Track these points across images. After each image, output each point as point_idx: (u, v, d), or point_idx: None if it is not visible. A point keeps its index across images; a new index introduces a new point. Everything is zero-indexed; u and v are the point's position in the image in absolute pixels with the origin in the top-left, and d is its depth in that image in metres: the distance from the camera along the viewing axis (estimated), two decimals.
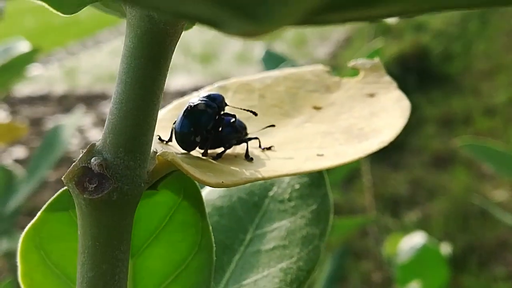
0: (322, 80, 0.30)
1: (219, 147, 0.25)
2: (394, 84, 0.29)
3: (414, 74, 2.49)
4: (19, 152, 2.35)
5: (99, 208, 0.19)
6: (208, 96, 0.25)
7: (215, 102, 0.25)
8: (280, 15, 0.09)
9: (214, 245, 0.24)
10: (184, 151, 0.25)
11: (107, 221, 0.20)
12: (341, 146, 0.25)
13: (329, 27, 3.31)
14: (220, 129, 0.25)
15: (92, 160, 0.19)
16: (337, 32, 3.26)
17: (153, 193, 0.23)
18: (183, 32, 0.20)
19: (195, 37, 3.60)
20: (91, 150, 0.20)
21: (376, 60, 0.31)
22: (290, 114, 0.29)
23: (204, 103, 0.25)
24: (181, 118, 0.24)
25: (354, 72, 0.31)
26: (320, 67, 0.31)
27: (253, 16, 0.09)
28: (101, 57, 3.61)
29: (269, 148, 0.25)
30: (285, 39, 3.35)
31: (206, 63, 3.22)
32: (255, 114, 0.26)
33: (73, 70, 3.42)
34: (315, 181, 0.30)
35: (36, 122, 2.72)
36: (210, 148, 0.25)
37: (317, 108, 0.29)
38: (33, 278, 0.23)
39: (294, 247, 0.28)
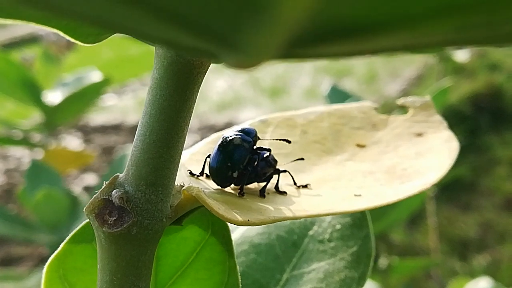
0: (369, 117, 0.29)
1: (253, 182, 0.24)
2: (444, 124, 0.28)
3: (488, 114, 2.42)
4: (91, 179, 2.41)
5: (118, 242, 0.19)
6: (243, 130, 0.24)
7: (250, 135, 0.24)
8: (259, 45, 0.08)
9: (240, 286, 0.23)
10: (217, 187, 0.24)
11: (125, 256, 0.19)
12: (382, 187, 0.24)
13: (400, 64, 3.27)
14: (256, 164, 0.24)
15: (113, 192, 0.19)
16: (408, 70, 3.21)
17: (180, 228, 0.22)
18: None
19: (265, 72, 3.62)
20: (113, 182, 0.19)
21: (427, 98, 0.30)
22: (332, 151, 0.28)
23: (240, 137, 0.24)
24: (216, 152, 0.24)
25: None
26: (367, 104, 0.30)
27: (234, 47, 0.08)
28: None
29: (305, 186, 0.24)
30: (355, 75, 3.33)
31: (275, 97, 3.23)
32: (289, 142, 0.26)
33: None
34: (357, 221, 0.29)
35: (108, 151, 2.78)
36: (245, 184, 0.24)
37: (360, 146, 0.28)
38: None
39: None
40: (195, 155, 0.25)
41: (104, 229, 0.19)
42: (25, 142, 1.30)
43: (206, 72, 0.19)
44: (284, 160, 0.26)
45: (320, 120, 0.29)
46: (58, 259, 0.22)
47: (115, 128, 3.17)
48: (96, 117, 3.25)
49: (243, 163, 0.24)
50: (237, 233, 0.30)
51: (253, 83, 3.46)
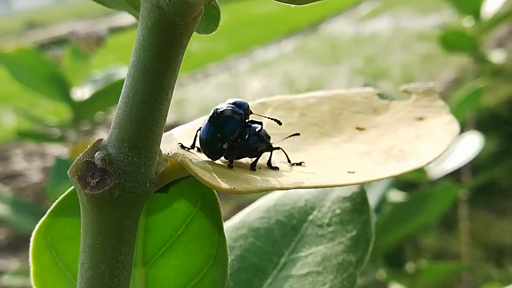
0: (370, 102, 0.29)
1: (244, 156, 0.24)
2: (446, 109, 0.28)
3: None
4: None
5: (100, 205, 0.19)
6: (234, 103, 0.24)
7: (241, 108, 0.24)
8: None
9: (229, 259, 0.23)
10: (208, 159, 0.24)
11: (107, 219, 0.19)
12: (376, 166, 0.24)
13: (437, 67, 3.23)
14: (246, 137, 0.24)
15: (96, 154, 0.19)
16: (445, 72, 3.17)
17: (169, 200, 0.22)
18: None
19: (300, 73, 3.62)
20: (97, 145, 0.19)
21: (430, 84, 0.29)
22: (330, 134, 0.27)
23: (230, 109, 0.24)
24: (207, 124, 0.24)
25: None
26: (370, 90, 0.30)
27: None
28: (209, 89, 3.70)
29: (299, 164, 0.24)
30: (391, 78, 3.30)
31: None
32: (280, 123, 0.25)
33: (182, 100, 3.53)
34: (358, 206, 0.28)
35: None
36: (236, 158, 0.24)
37: (360, 128, 0.28)
38: (45, 280, 0.22)
39: (328, 274, 0.27)
40: (189, 131, 0.25)
41: (86, 191, 0.19)
42: (55, 139, 1.31)
43: (190, 34, 0.19)
44: (280, 140, 0.26)
45: (320, 104, 0.29)
46: (45, 227, 0.22)
47: None
48: None
49: (233, 135, 0.23)
50: (236, 218, 0.30)
51: (289, 85, 3.46)
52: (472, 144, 1.04)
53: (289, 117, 0.28)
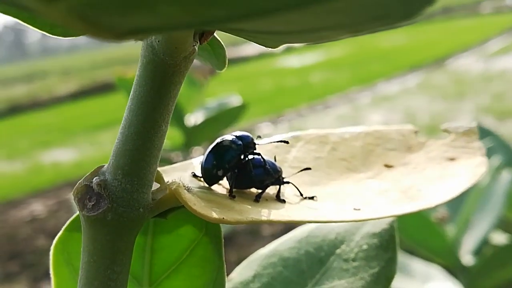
0: (406, 140, 0.29)
1: (249, 187, 0.25)
2: (481, 151, 0.27)
3: None
4: None
5: (95, 226, 0.20)
6: (236, 135, 0.26)
7: (242, 140, 0.25)
8: None
9: (226, 285, 0.24)
10: (207, 185, 0.25)
11: (101, 240, 0.21)
12: (386, 205, 0.24)
13: None
14: (249, 169, 0.25)
15: (94, 179, 0.21)
16: None
17: (175, 225, 0.24)
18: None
19: (423, 108, 3.54)
20: (97, 171, 0.21)
21: (473, 124, 0.28)
22: (356, 169, 0.27)
23: (229, 140, 0.25)
24: (207, 153, 0.25)
25: None
26: (408, 127, 0.30)
27: None
28: (328, 121, 3.71)
29: (311, 198, 0.24)
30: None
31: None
32: (287, 142, 0.26)
33: (300, 130, 3.56)
34: (384, 243, 0.28)
35: None
36: (239, 188, 0.25)
37: (388, 166, 0.27)
38: None
39: None
40: None
41: (83, 212, 0.20)
42: (168, 161, 1.38)
43: (184, 72, 0.20)
44: (302, 173, 0.26)
45: (355, 139, 0.29)
46: (62, 242, 0.24)
47: None
48: None
49: (229, 164, 0.25)
50: (271, 245, 0.31)
51: (410, 120, 3.38)
52: None
53: (319, 151, 0.28)
